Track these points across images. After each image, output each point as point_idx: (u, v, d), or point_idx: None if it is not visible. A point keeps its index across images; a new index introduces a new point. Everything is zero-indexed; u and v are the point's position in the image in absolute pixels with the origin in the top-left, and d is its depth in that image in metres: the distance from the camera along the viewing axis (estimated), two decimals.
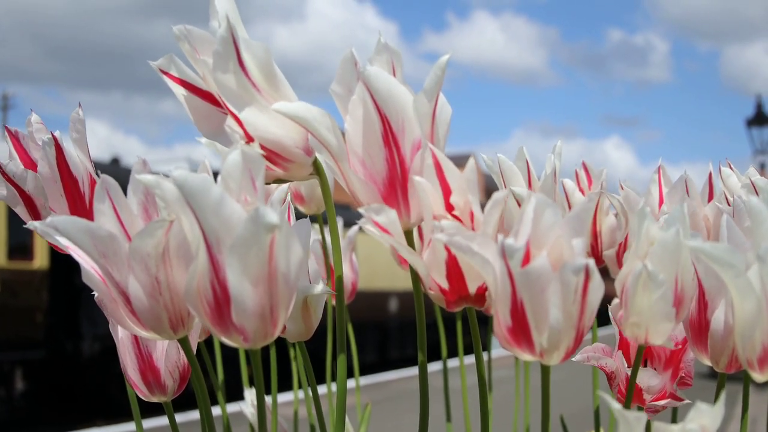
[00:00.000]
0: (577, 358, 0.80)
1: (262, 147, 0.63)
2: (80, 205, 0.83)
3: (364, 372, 9.99)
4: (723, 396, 0.55)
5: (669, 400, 0.80)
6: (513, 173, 0.93)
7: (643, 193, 0.98)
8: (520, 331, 0.53)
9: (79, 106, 0.82)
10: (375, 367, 12.92)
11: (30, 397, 9.86)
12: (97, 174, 0.64)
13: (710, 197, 0.97)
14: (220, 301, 0.52)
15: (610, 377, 0.81)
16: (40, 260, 9.51)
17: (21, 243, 9.23)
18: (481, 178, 37.63)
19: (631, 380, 0.73)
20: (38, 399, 9.85)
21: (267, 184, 0.69)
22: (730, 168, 0.97)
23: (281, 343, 1.43)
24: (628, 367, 0.82)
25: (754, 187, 0.88)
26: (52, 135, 0.81)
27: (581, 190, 1.05)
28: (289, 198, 0.77)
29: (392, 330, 15.21)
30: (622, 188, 0.98)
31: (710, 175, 0.98)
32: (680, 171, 0.95)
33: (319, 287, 0.77)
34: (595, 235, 1.03)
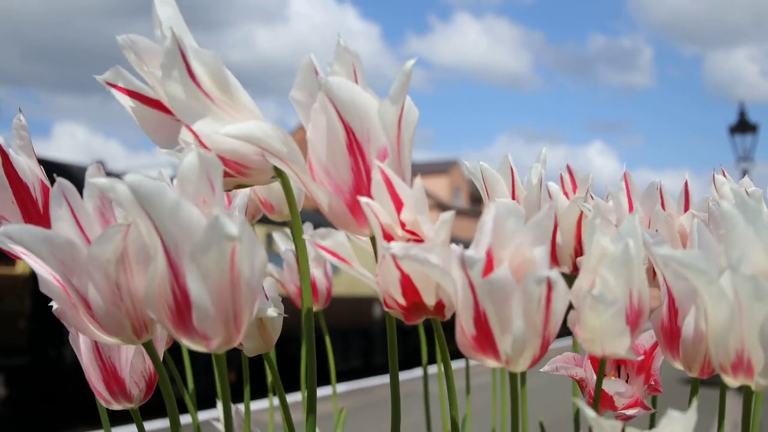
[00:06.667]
0: (545, 368, 0.79)
1: (221, 157, 0.61)
2: (33, 211, 0.81)
3: (349, 378, 9.97)
4: (695, 403, 0.54)
5: (638, 409, 0.79)
6: (496, 181, 0.90)
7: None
8: (485, 340, 0.52)
9: (20, 111, 0.80)
10: (360, 373, 12.89)
11: (12, 404, 9.77)
12: (52, 180, 0.62)
13: (686, 207, 0.94)
14: (181, 306, 0.50)
15: (581, 385, 0.81)
16: (23, 266, 9.42)
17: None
18: (466, 185, 37.65)
19: (597, 391, 0.71)
20: (21, 405, 9.76)
21: (228, 190, 0.67)
22: (724, 176, 0.95)
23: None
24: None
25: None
26: None
27: (566, 194, 1.02)
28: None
29: (377, 336, 15.17)
30: (607, 198, 0.97)
31: (686, 183, 0.95)
32: (664, 177, 0.94)
33: (271, 310, 0.76)
34: (579, 241, 1.01)
